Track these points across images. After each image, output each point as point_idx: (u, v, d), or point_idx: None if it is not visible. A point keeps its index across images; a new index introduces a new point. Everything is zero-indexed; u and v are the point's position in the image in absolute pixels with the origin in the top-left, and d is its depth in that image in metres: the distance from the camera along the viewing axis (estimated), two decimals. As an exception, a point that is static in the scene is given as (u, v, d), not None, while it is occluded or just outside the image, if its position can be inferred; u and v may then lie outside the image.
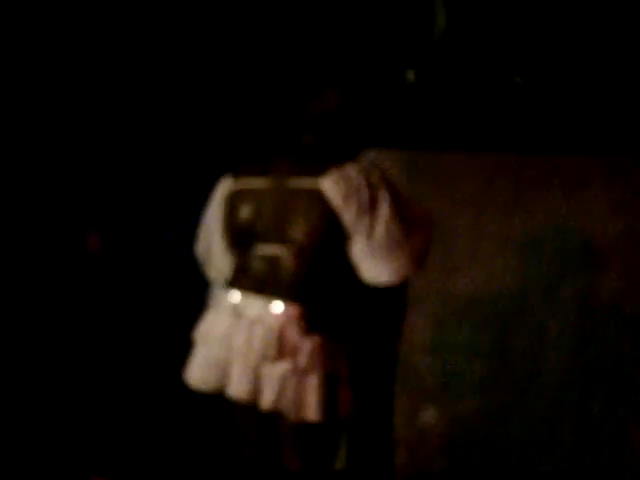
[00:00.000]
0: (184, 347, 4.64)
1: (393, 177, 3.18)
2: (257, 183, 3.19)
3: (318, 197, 3.07)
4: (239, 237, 3.21)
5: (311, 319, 3.06)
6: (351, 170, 3.07)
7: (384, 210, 3.04)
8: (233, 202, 3.23)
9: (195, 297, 4.65)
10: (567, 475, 4.48)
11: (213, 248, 3.35)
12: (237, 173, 3.27)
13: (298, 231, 3.09)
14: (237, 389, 3.07)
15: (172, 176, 4.69)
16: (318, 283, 3.10)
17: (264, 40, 4.62)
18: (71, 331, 4.62)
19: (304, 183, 3.11)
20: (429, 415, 4.60)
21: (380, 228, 3.04)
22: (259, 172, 3.21)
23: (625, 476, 4.44)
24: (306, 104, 3.24)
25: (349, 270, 3.10)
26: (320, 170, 3.09)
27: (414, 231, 3.09)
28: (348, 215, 3.05)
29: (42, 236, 4.59)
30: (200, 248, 3.42)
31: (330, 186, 3.06)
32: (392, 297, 3.19)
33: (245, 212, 3.20)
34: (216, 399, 3.18)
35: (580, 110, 4.46)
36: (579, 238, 4.47)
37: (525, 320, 4.52)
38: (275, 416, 3.09)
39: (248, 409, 3.13)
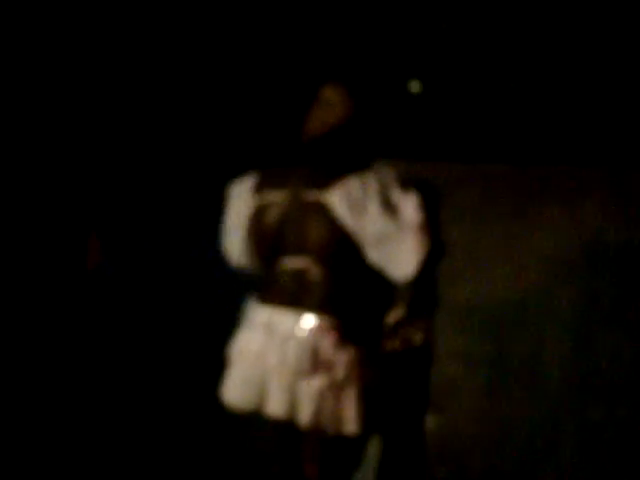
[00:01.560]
0: (184, 354, 4.66)
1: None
2: (275, 197, 3.21)
3: (325, 210, 3.10)
4: (265, 251, 3.22)
5: (344, 330, 3.07)
6: (354, 183, 3.09)
7: (369, 217, 3.07)
8: (257, 218, 3.24)
9: (196, 306, 4.68)
10: (568, 480, 4.52)
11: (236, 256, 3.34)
12: (256, 187, 3.27)
13: (315, 243, 3.11)
14: (274, 407, 3.07)
15: (174, 187, 4.69)
16: (346, 294, 3.11)
17: (274, 49, 4.63)
18: (72, 342, 4.62)
19: (313, 196, 3.13)
20: (429, 422, 4.62)
21: (381, 227, 3.06)
22: (276, 185, 3.22)
23: (625, 480, 4.49)
24: (318, 113, 3.25)
25: (374, 278, 3.12)
26: (326, 183, 3.11)
27: (407, 217, 3.10)
28: (354, 225, 3.07)
29: (43, 248, 4.59)
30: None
31: (334, 200, 3.09)
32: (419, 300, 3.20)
33: (268, 227, 3.21)
34: (238, 416, 3.19)
35: (578, 120, 4.50)
36: (578, 246, 4.51)
37: (524, 328, 4.56)
38: (300, 430, 3.09)
39: (279, 425, 3.13)
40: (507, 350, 4.57)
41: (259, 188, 3.25)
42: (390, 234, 3.05)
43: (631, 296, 4.47)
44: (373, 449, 3.25)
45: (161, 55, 4.64)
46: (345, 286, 3.10)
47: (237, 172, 4.66)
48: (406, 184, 3.11)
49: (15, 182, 4.56)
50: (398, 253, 3.06)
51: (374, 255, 3.09)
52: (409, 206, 3.08)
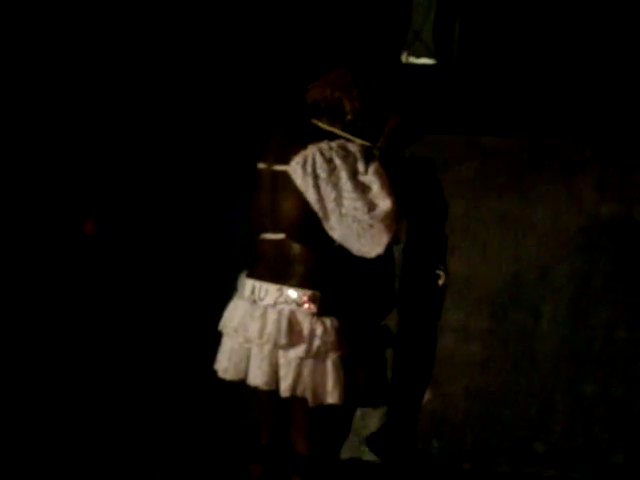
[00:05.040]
0: (177, 328, 4.67)
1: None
2: (261, 166, 3.21)
3: (290, 182, 3.07)
4: (253, 221, 3.22)
5: (324, 302, 3.06)
6: (310, 152, 3.04)
7: (338, 190, 3.03)
8: (255, 187, 3.24)
9: (189, 279, 4.69)
10: (560, 454, 4.54)
11: None
12: (260, 154, 3.25)
13: (287, 217, 3.08)
14: (256, 377, 3.07)
15: (168, 160, 4.69)
16: (326, 266, 3.09)
17: (273, 28, 4.62)
18: (69, 314, 4.62)
19: (281, 168, 3.11)
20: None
21: (334, 208, 3.03)
22: (263, 155, 3.21)
23: (616, 455, 4.51)
24: (306, 89, 3.23)
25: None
26: (288, 154, 3.09)
27: (377, 201, 3.05)
28: (309, 197, 3.04)
29: (40, 220, 4.59)
30: None
31: (292, 169, 3.06)
32: (380, 271, 3.21)
33: (255, 196, 3.22)
34: (229, 386, 3.19)
35: (574, 96, 4.51)
36: (574, 221, 4.52)
37: (519, 302, 4.57)
38: (287, 401, 3.09)
39: (264, 395, 3.13)
40: (501, 324, 4.58)
41: (260, 155, 3.24)
42: (359, 215, 3.00)
43: (627, 272, 4.49)
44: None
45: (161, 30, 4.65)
46: (324, 259, 3.08)
47: (232, 142, 4.66)
48: (367, 154, 3.05)
49: (15, 153, 4.56)
50: (365, 233, 3.01)
51: (337, 230, 3.03)
52: (377, 188, 3.01)
